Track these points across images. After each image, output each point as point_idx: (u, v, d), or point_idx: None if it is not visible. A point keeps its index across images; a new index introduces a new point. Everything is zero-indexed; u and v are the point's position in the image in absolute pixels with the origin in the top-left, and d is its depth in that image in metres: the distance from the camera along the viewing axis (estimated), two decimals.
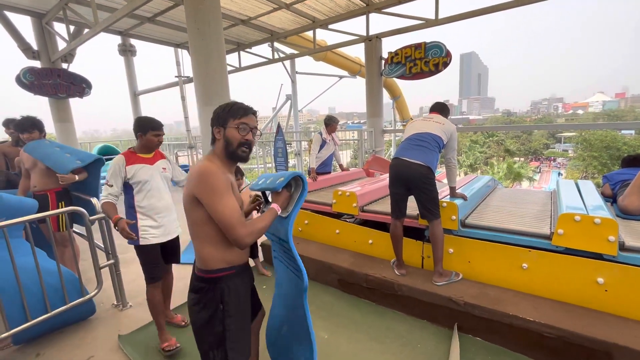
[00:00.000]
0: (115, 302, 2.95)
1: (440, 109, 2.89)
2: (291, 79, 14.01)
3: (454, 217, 2.61)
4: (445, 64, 5.10)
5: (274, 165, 8.41)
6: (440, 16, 5.07)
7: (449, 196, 2.82)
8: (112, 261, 2.82)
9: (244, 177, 3.28)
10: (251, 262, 3.40)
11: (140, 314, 2.79)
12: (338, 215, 3.61)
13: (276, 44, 8.01)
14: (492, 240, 2.49)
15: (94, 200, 2.81)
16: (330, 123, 4.43)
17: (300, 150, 9.86)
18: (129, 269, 3.48)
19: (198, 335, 1.40)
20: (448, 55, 5.09)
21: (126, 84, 12.07)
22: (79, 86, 6.37)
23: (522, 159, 46.29)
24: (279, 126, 7.99)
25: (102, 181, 3.17)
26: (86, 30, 5.75)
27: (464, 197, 2.81)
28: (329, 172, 4.77)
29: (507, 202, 3.26)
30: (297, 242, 3.58)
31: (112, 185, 2.17)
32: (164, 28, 6.95)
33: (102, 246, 2.83)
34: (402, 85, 8.92)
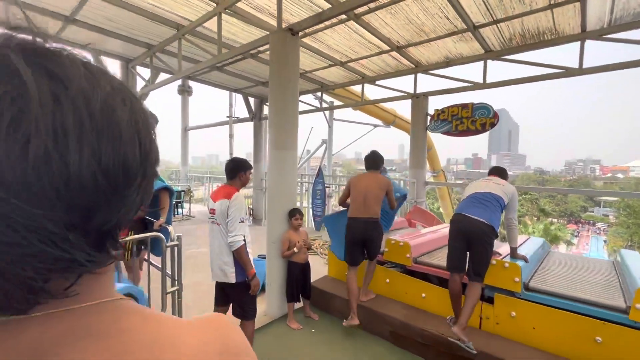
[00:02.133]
0: None
1: (500, 172, 3.03)
2: (328, 125, 14.73)
3: (517, 279, 2.59)
4: (493, 125, 5.29)
5: (309, 205, 8.65)
6: (489, 80, 5.37)
7: (509, 256, 2.83)
8: (177, 287, 2.98)
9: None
10: (300, 304, 3.46)
11: None
12: (379, 263, 3.61)
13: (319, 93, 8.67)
14: (559, 307, 2.43)
15: (170, 228, 3.06)
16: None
17: (331, 193, 10.10)
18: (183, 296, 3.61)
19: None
20: (495, 116, 5.30)
21: (171, 118, 13.19)
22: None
23: (556, 220, 43.92)
24: (319, 169, 8.34)
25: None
26: (162, 74, 6.60)
27: (525, 259, 2.80)
28: None
29: (567, 267, 3.17)
30: (344, 289, 3.60)
31: (244, 222, 2.31)
32: (224, 75, 7.74)
33: (169, 272, 3.02)
34: (432, 136, 9.17)
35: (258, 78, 7.72)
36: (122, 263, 3.49)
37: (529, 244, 3.52)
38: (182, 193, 9.81)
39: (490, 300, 2.74)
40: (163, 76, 6.34)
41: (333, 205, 10.99)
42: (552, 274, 2.96)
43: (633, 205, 32.66)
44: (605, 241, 36.82)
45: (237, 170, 2.43)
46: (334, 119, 14.87)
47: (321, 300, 3.58)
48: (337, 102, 10.44)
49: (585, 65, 4.56)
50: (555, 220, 44.28)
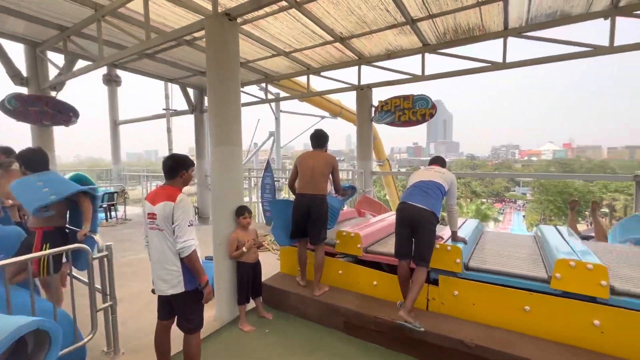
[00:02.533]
0: (105, 349, 2.72)
1: (439, 161, 3.23)
2: (275, 117, 14.44)
3: (458, 261, 2.76)
4: (432, 115, 5.61)
5: (259, 200, 8.41)
6: (427, 72, 5.65)
7: (450, 240, 3.01)
8: (110, 303, 2.65)
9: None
10: (252, 304, 3.32)
11: None
12: (331, 255, 3.63)
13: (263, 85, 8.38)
14: (495, 283, 2.65)
15: (96, 236, 2.69)
16: None
17: (280, 187, 9.96)
18: (117, 312, 3.24)
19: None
20: (434, 107, 5.62)
21: (100, 111, 11.86)
22: (66, 115, 6.20)
23: (486, 201, 49.10)
24: (268, 163, 8.12)
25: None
26: (79, 61, 5.79)
27: (464, 241, 3.00)
28: None
29: (498, 245, 3.49)
30: (297, 285, 3.55)
31: (192, 225, 2.12)
32: (157, 63, 7.06)
33: (99, 287, 2.67)
34: (377, 126, 9.49)
35: (196, 67, 7.18)
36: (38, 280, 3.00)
37: (467, 226, 3.81)
38: (115, 195, 8.86)
39: (435, 282, 2.90)
40: (83, 63, 5.55)
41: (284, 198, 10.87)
42: (486, 252, 3.23)
43: (545, 184, 37.83)
44: (524, 216, 42.41)
45: (177, 168, 2.20)
46: (281, 111, 14.60)
47: (274, 298, 3.49)
48: (283, 94, 10.22)
49: (508, 60, 5.02)
50: (485, 200, 49.49)
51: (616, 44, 4.25)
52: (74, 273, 2.94)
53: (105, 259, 2.63)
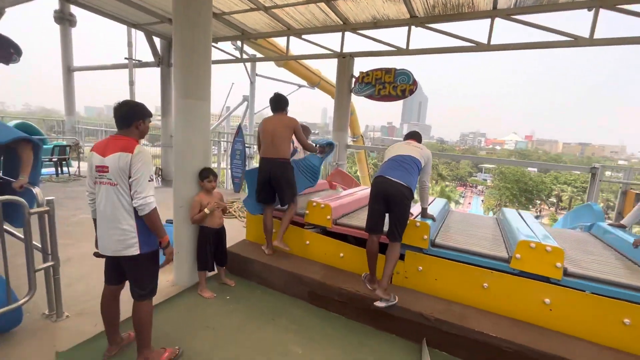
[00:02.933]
0: (46, 312, 2.50)
1: (416, 136, 3.14)
2: (250, 80, 13.71)
3: (425, 237, 2.78)
4: (412, 92, 5.51)
5: (229, 166, 8.07)
6: (411, 47, 5.48)
7: (420, 216, 3.01)
8: (51, 263, 2.40)
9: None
10: (216, 270, 3.20)
11: (81, 327, 2.41)
12: (300, 225, 3.56)
13: (239, 43, 7.78)
14: (458, 260, 2.70)
15: (36, 190, 2.37)
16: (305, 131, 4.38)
17: (252, 154, 9.58)
18: (62, 272, 2.97)
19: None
20: (414, 83, 5.51)
21: (54, 56, 10.60)
22: (6, 50, 5.39)
23: (450, 184, 51.47)
24: (239, 127, 7.74)
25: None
26: None
27: (433, 218, 3.02)
28: None
29: (463, 224, 3.58)
30: (263, 251, 3.46)
31: (153, 181, 1.91)
32: (119, 3, 6.26)
33: (39, 245, 2.39)
34: (354, 101, 9.35)
35: (164, 13, 6.47)
36: None
37: (435, 204, 3.86)
38: (68, 148, 8.10)
39: (401, 257, 2.91)
40: None
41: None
42: (452, 230, 3.29)
43: (505, 172, 40.17)
44: (482, 200, 45.19)
45: (132, 117, 1.91)
46: (257, 75, 13.87)
47: (238, 266, 3.38)
48: (260, 56, 9.61)
49: (492, 43, 4.96)
50: (449, 183, 51.84)
51: (596, 36, 4.31)
52: (12, 230, 2.62)
53: (45, 215, 2.34)
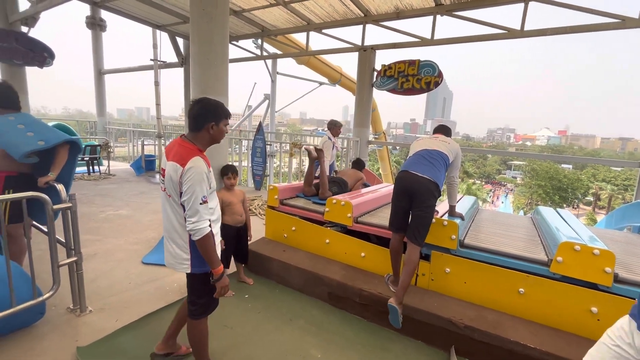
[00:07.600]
0: (71, 306, 2.54)
1: (445, 130, 2.95)
2: (272, 79, 13.73)
3: (453, 237, 2.58)
4: (437, 84, 5.24)
5: (250, 165, 8.10)
6: (436, 37, 5.21)
7: (447, 214, 2.82)
8: (74, 258, 2.43)
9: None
10: (232, 268, 3.16)
11: (102, 322, 2.42)
12: (320, 223, 3.44)
13: (259, 41, 7.76)
14: (490, 262, 2.49)
15: (59, 186, 2.41)
16: (336, 126, 4.21)
17: (273, 152, 9.55)
18: (88, 267, 3.04)
19: None
20: (440, 75, 5.24)
21: (89, 61, 11.08)
22: (40, 54, 5.64)
23: (477, 182, 49.60)
24: (260, 125, 7.72)
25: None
26: None
27: (461, 217, 2.81)
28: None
29: (494, 224, 3.33)
30: (282, 249, 3.39)
31: (207, 202, 1.62)
32: (144, 5, 6.41)
33: (63, 240, 2.43)
34: (376, 97, 9.09)
35: (185, 12, 6.56)
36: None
37: (464, 202, 3.63)
38: (98, 148, 8.44)
39: (427, 258, 2.74)
40: None
41: (276, 166, 10.52)
42: (482, 230, 3.06)
43: (536, 168, 38.14)
44: (506, 196, 43.29)
45: (204, 118, 1.65)
46: (278, 73, 13.89)
47: (256, 264, 3.32)
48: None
49: (527, 28, 4.61)
50: (477, 181, 49.96)
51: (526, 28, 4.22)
52: (41, 226, 2.70)
53: (68, 211, 2.37)
